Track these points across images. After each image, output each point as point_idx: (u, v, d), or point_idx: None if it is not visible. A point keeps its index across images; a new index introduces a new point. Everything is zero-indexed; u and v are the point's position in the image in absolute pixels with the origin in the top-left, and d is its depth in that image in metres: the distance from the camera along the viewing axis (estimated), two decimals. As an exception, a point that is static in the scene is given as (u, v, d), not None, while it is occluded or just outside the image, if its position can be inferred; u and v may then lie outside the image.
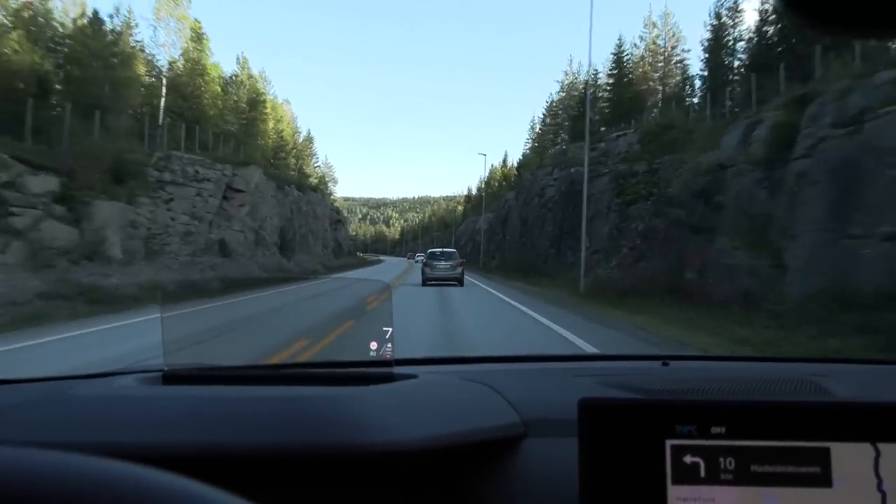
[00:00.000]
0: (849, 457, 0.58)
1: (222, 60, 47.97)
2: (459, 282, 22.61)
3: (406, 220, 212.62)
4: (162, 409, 0.92)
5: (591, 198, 25.37)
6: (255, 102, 45.43)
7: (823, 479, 0.58)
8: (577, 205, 26.46)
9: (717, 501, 0.57)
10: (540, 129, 69.83)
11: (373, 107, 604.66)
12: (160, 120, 32.34)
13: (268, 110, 49.45)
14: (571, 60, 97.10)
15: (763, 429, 0.58)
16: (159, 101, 33.20)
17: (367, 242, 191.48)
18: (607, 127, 40.97)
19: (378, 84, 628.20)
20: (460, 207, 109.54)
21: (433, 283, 22.24)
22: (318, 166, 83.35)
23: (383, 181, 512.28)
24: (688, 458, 0.58)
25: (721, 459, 0.58)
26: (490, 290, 22.29)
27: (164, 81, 33.60)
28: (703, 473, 0.58)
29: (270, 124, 51.03)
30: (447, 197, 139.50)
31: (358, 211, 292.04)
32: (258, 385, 1.04)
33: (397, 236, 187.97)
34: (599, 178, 25.66)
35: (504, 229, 46.55)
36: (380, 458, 0.81)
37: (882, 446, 0.57)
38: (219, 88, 39.21)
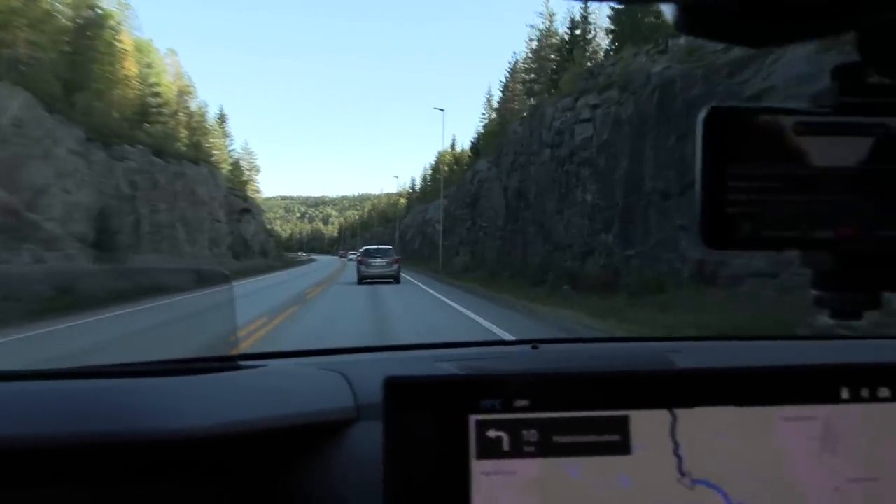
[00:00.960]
0: (647, 424, 0.58)
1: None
2: (395, 279, 21.28)
3: (345, 218, 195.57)
4: None
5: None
6: (90, 25, 28.57)
7: (622, 447, 0.58)
8: (684, 134, 11.24)
9: (519, 474, 0.57)
10: (500, 98, 55.01)
11: (311, 103, 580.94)
12: None
13: (124, 46, 32.62)
14: None
15: (564, 400, 0.58)
16: None
17: (302, 241, 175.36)
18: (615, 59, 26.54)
19: (316, 79, 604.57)
20: (403, 200, 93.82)
21: (369, 280, 20.73)
22: (233, 149, 66.72)
23: (322, 180, 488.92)
24: (492, 433, 0.57)
25: (524, 432, 0.57)
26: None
27: None
28: (506, 447, 0.57)
29: (132, 69, 34.19)
30: (390, 194, 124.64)
31: (297, 210, 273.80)
32: (88, 379, 0.99)
33: (336, 234, 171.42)
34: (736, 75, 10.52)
35: (473, 213, 31.12)
36: (172, 445, 0.79)
37: (678, 412, 0.58)
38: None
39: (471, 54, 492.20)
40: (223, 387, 0.95)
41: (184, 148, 40.05)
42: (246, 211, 43.46)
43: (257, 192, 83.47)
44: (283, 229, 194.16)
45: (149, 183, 24.81)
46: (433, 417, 0.57)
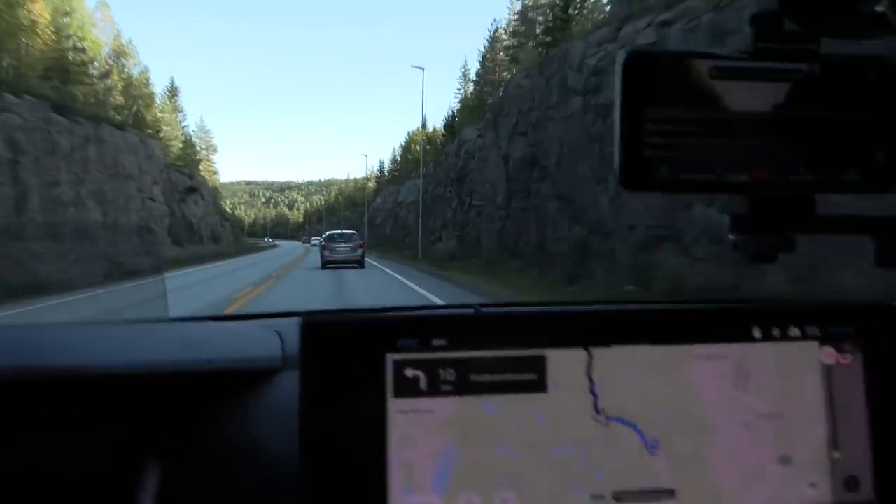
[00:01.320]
0: (563, 363, 0.58)
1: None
2: (360, 264, 20.73)
3: (311, 203, 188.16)
4: None
5: None
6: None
7: (539, 385, 0.58)
8: None
9: (437, 412, 0.57)
10: (479, 70, 49.76)
11: (277, 85, 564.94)
12: None
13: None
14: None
15: (481, 339, 0.58)
16: None
17: (266, 226, 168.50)
18: None
19: (280, 59, 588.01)
20: (372, 184, 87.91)
21: (333, 265, 20.19)
22: (186, 125, 60.02)
23: (288, 165, 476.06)
24: (409, 372, 0.57)
25: (441, 371, 0.57)
26: None
27: None
28: (423, 386, 0.57)
29: (44, 15, 27.70)
30: (357, 179, 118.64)
31: (261, 195, 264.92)
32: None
33: (301, 219, 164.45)
34: None
35: (461, 191, 25.61)
36: (89, 383, 0.77)
37: (594, 351, 0.59)
38: None
39: (443, 29, 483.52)
40: (146, 333, 0.90)
41: (119, 117, 33.76)
42: (192, 190, 37.09)
43: (214, 172, 76.69)
44: (247, 214, 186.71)
45: (43, 145, 18.73)
46: (349, 356, 0.56)
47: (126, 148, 25.77)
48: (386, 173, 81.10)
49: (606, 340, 0.59)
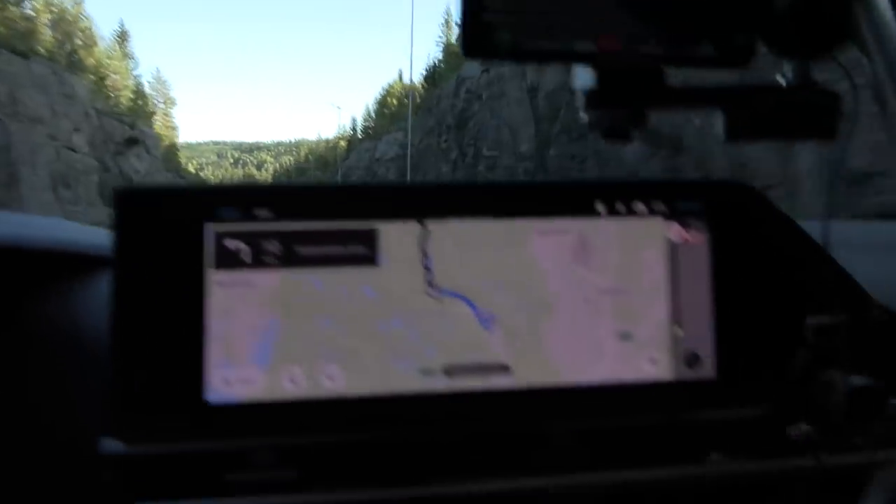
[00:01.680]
0: (396, 236, 0.56)
1: None
2: None
3: (281, 164, 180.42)
4: None
5: None
6: None
7: (369, 259, 0.56)
8: None
9: (259, 285, 0.55)
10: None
11: (244, 41, 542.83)
12: None
13: None
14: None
15: (309, 210, 0.56)
16: None
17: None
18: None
19: (251, 13, 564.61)
20: (343, 143, 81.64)
21: None
22: (139, 75, 53.31)
23: (257, 125, 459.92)
24: (230, 243, 0.54)
25: (265, 243, 0.55)
26: None
27: None
28: (245, 258, 0.55)
29: None
30: (328, 139, 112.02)
31: (229, 155, 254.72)
32: None
33: (270, 180, 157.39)
34: None
35: (462, 139, 20.24)
36: None
37: (429, 224, 0.57)
38: None
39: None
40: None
41: (44, 53, 27.43)
42: (133, 142, 30.93)
43: (173, 128, 69.81)
44: (214, 175, 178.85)
45: None
46: (165, 226, 0.53)
47: (30, 82, 19.79)
48: (359, 132, 75.28)
49: (442, 213, 0.56)
